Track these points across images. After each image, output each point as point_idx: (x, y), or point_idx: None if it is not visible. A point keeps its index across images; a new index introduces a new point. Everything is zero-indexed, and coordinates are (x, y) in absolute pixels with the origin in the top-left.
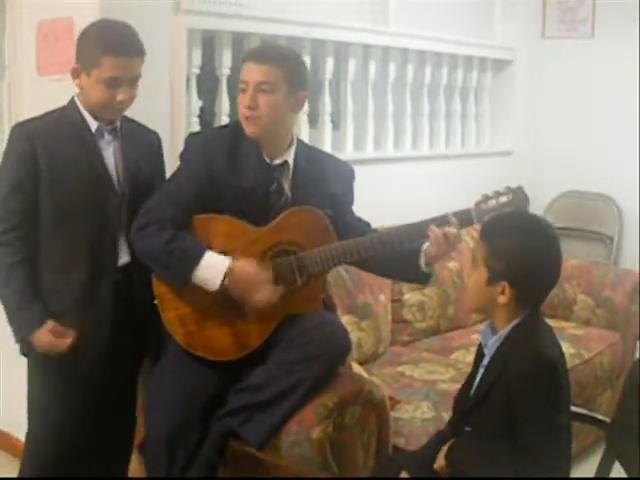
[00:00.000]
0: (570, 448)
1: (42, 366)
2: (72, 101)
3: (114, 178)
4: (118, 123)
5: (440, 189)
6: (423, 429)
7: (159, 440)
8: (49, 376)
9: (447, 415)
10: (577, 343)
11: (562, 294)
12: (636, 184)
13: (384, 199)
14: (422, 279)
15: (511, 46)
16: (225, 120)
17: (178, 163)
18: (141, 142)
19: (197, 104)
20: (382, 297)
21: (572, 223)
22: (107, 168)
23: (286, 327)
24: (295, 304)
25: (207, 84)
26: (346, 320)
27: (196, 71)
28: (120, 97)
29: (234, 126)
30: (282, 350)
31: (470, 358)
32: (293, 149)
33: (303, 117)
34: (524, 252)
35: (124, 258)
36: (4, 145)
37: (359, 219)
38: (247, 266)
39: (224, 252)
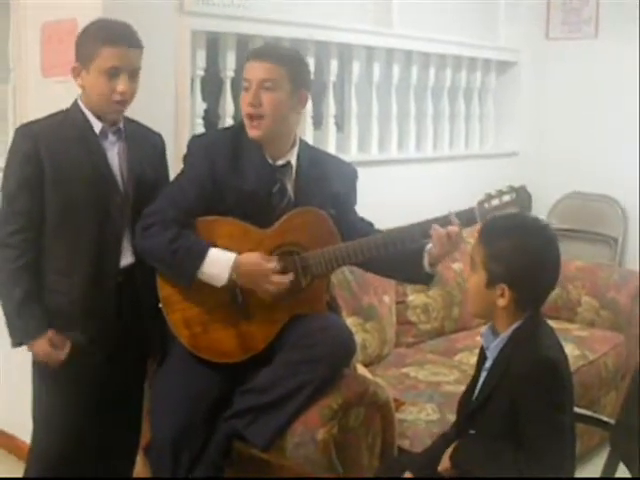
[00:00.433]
0: (574, 448)
1: (47, 368)
2: (75, 103)
3: (118, 179)
4: (122, 124)
5: (444, 190)
6: (427, 431)
7: (164, 442)
8: (54, 377)
9: (452, 417)
10: (582, 344)
11: (566, 296)
12: None
13: (388, 200)
14: (425, 280)
15: (515, 47)
16: (229, 122)
17: (182, 165)
18: (145, 143)
19: (201, 106)
20: (386, 298)
21: (576, 224)
22: (111, 169)
23: (291, 329)
24: (299, 305)
25: (211, 86)
26: (351, 321)
27: (200, 73)
28: (120, 87)
29: (237, 128)
30: (287, 352)
31: (474, 360)
32: (296, 150)
33: (307, 119)
34: (522, 254)
35: (127, 259)
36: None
37: (362, 219)
38: (252, 257)
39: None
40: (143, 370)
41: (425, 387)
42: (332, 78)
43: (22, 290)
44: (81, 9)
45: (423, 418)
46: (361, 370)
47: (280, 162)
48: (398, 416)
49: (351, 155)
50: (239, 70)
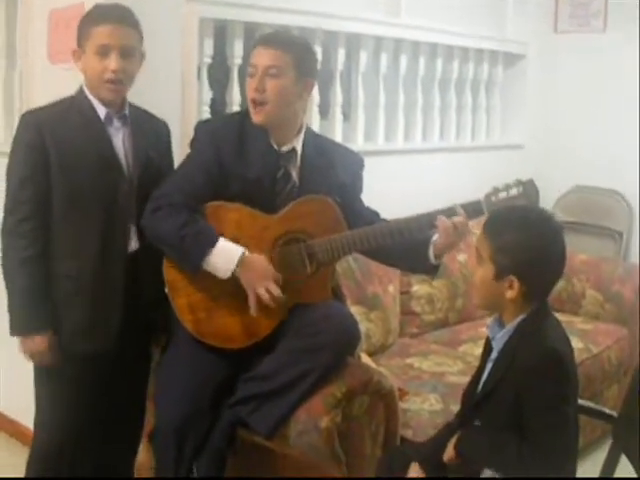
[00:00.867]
0: (577, 440)
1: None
2: (81, 89)
3: (123, 164)
4: (127, 110)
5: (449, 181)
6: (431, 421)
7: (169, 428)
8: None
9: (455, 407)
10: (585, 338)
11: (571, 289)
12: None
13: (394, 191)
14: (430, 271)
15: (523, 40)
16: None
17: (188, 151)
18: (150, 130)
19: (208, 94)
20: (391, 288)
21: (581, 218)
22: (116, 154)
23: (295, 316)
24: (304, 293)
25: (218, 74)
26: (355, 311)
27: (207, 60)
28: (112, 65)
29: (243, 113)
30: (291, 339)
31: (478, 351)
32: (301, 137)
33: (314, 108)
34: (531, 245)
35: (134, 244)
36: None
37: (368, 208)
38: (260, 259)
39: (235, 240)
40: (147, 356)
41: (429, 377)
42: (339, 67)
43: (28, 282)
44: None
45: (426, 408)
46: (365, 359)
47: (285, 148)
48: (401, 406)
49: (357, 145)
50: (246, 58)
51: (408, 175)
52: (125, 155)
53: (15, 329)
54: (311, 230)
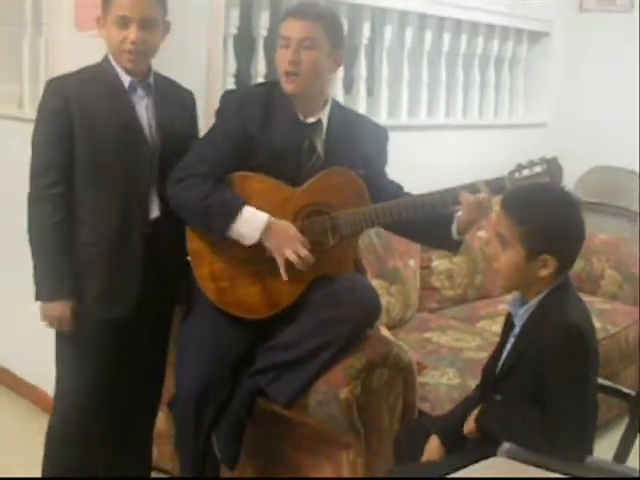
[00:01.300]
0: (596, 416)
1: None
2: (106, 57)
3: (146, 132)
4: (151, 79)
5: (472, 158)
6: (448, 395)
7: (190, 395)
8: (77, 328)
9: (473, 382)
10: (603, 317)
11: (590, 268)
12: None
13: (416, 165)
14: (453, 247)
15: (548, 18)
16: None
17: (213, 122)
18: (174, 99)
19: (233, 65)
20: (412, 263)
21: (601, 198)
22: (139, 122)
23: (317, 287)
24: (326, 265)
25: (242, 47)
26: (375, 284)
27: (234, 31)
28: (131, 36)
29: (270, 84)
30: (312, 310)
31: (496, 328)
32: (327, 108)
33: (338, 82)
34: (558, 221)
35: (155, 212)
36: None
37: (392, 182)
38: (284, 223)
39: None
40: (167, 324)
41: (447, 352)
42: (364, 41)
43: (54, 249)
44: None
45: (444, 382)
46: (384, 332)
47: (311, 119)
48: (420, 379)
49: (381, 119)
50: (272, 30)
51: (431, 151)
52: (148, 123)
53: (40, 295)
54: (334, 203)
